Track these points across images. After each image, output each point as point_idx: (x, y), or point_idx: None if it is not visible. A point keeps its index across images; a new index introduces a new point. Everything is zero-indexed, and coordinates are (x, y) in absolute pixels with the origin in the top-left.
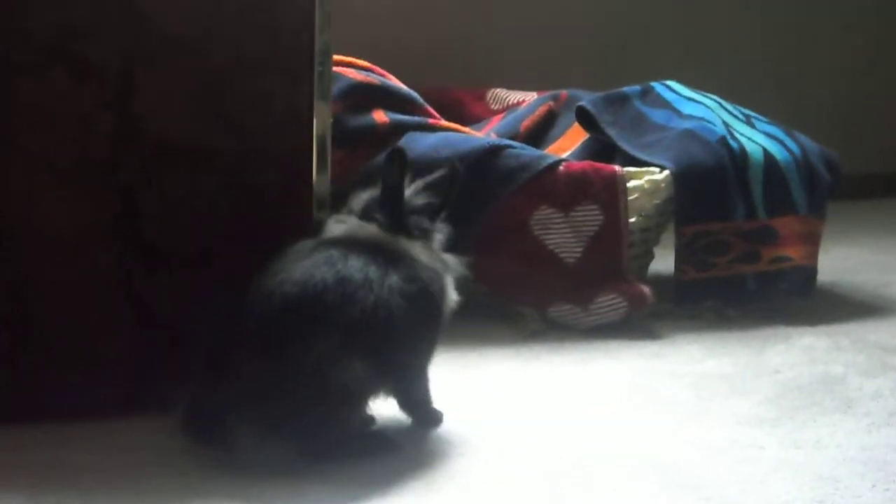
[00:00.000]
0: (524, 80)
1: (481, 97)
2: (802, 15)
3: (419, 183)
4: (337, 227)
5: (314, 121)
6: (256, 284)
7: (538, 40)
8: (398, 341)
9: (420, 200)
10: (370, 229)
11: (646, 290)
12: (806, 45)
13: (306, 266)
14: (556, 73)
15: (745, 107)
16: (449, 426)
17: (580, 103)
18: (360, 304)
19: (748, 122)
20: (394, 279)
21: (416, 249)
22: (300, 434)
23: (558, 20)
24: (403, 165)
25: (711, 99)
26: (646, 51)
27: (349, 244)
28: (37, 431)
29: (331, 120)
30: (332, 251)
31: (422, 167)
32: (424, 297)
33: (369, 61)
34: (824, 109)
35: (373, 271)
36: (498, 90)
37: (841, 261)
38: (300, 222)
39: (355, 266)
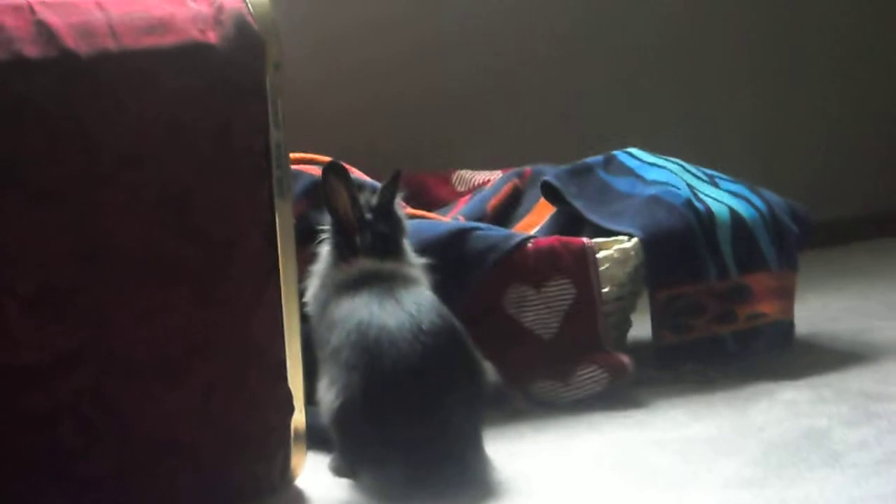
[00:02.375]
0: (488, 159)
1: (446, 180)
2: (766, 62)
3: (372, 202)
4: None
5: (276, 220)
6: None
7: (498, 119)
8: None
9: (384, 222)
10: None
11: (625, 359)
12: (768, 94)
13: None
14: (519, 149)
15: (712, 162)
16: None
17: (544, 178)
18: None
19: (712, 182)
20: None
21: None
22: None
23: (515, 96)
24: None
25: (674, 162)
26: (606, 119)
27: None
28: None
29: (293, 219)
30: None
31: None
32: None
33: (330, 157)
34: (792, 159)
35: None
36: (462, 172)
37: (819, 310)
38: (272, 324)
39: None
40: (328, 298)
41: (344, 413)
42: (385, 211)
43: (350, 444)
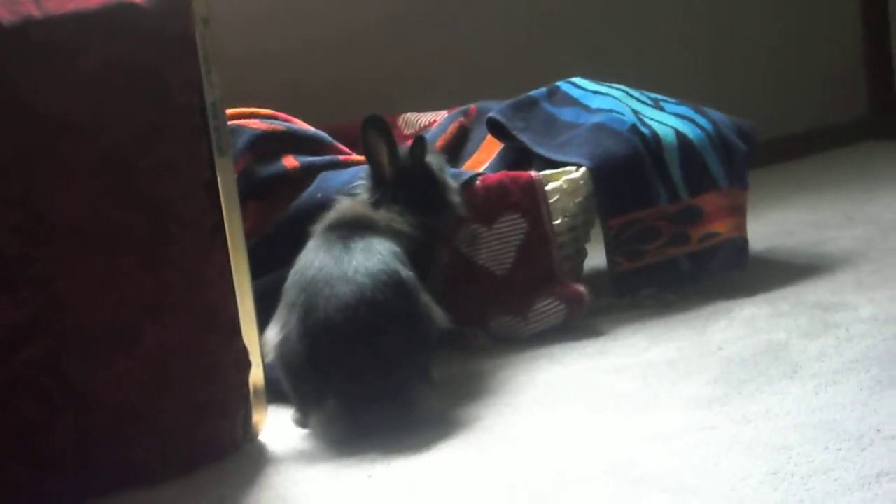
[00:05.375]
0: (434, 100)
1: (393, 123)
2: None
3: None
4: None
5: (218, 177)
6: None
7: (443, 57)
8: None
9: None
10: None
11: (581, 289)
12: (721, 10)
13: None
14: (465, 87)
15: (662, 83)
16: (400, 450)
17: (489, 114)
18: None
19: (657, 105)
20: None
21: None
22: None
23: (459, 33)
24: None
25: (618, 89)
26: (553, 50)
27: None
28: None
29: (234, 174)
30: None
31: None
32: None
33: (275, 107)
34: (740, 77)
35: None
36: (408, 115)
37: (776, 225)
38: (222, 282)
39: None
40: (312, 238)
41: (282, 350)
42: (414, 168)
43: (292, 383)
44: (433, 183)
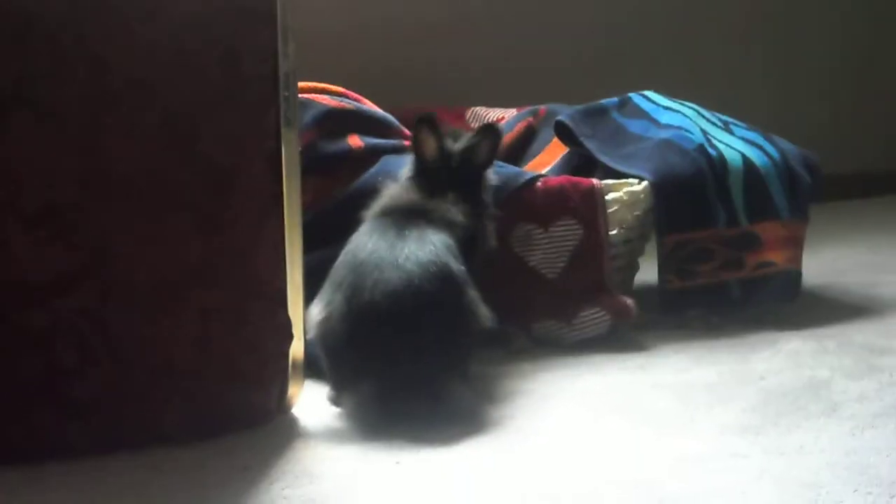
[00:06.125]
0: (505, 97)
1: (461, 116)
2: (789, 15)
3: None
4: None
5: (282, 149)
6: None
7: (517, 55)
8: None
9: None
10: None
11: (629, 302)
12: (791, 45)
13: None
14: (537, 88)
15: (730, 109)
16: (429, 440)
17: (558, 118)
18: None
19: (727, 128)
20: None
21: None
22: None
23: (537, 34)
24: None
25: (689, 107)
26: (626, 61)
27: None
28: (11, 474)
29: (300, 147)
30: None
31: None
32: None
33: (346, 86)
34: (811, 110)
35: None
36: (477, 108)
37: (831, 262)
38: (273, 253)
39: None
40: (367, 221)
41: (323, 328)
42: (465, 160)
43: (330, 362)
44: (481, 177)
